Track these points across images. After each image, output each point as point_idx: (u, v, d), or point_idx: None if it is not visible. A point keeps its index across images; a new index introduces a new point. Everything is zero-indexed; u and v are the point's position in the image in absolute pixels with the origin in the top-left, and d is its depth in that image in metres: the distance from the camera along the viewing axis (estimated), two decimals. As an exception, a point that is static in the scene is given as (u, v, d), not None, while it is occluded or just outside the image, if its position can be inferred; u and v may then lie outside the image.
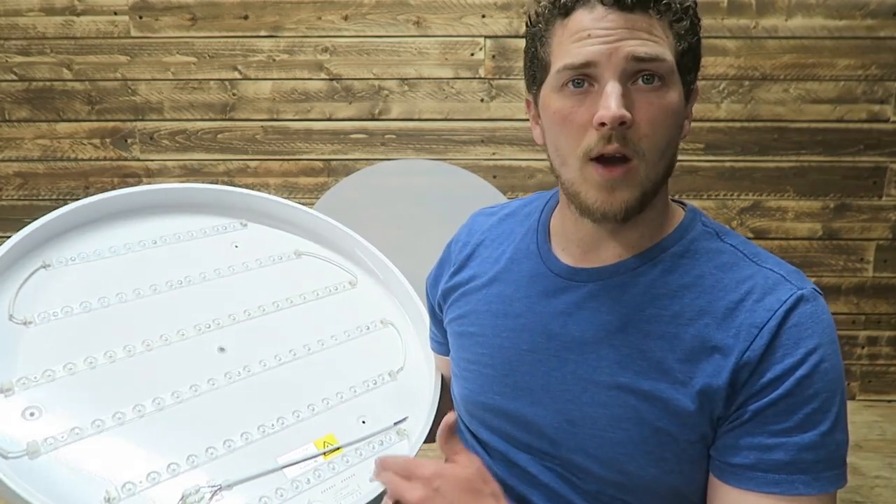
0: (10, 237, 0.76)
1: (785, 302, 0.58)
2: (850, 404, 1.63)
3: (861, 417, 1.58)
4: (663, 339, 0.61)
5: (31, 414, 0.67)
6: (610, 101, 0.56)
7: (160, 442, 0.69)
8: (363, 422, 0.73)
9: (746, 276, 0.61)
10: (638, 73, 0.57)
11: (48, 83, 1.60)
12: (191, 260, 0.88)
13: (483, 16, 1.56)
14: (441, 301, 0.80)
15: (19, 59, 1.59)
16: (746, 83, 1.58)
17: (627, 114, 0.56)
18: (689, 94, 0.64)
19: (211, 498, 0.66)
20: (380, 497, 0.70)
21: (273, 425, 0.75)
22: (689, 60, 0.61)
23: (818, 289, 0.60)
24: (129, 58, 1.59)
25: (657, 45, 0.58)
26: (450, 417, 0.62)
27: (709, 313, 0.60)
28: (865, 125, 1.58)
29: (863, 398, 1.69)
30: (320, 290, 0.93)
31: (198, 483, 0.66)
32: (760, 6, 1.54)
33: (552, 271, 0.68)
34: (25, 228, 0.78)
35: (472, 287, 0.75)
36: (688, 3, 0.60)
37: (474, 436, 0.74)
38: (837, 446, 0.57)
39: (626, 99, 0.57)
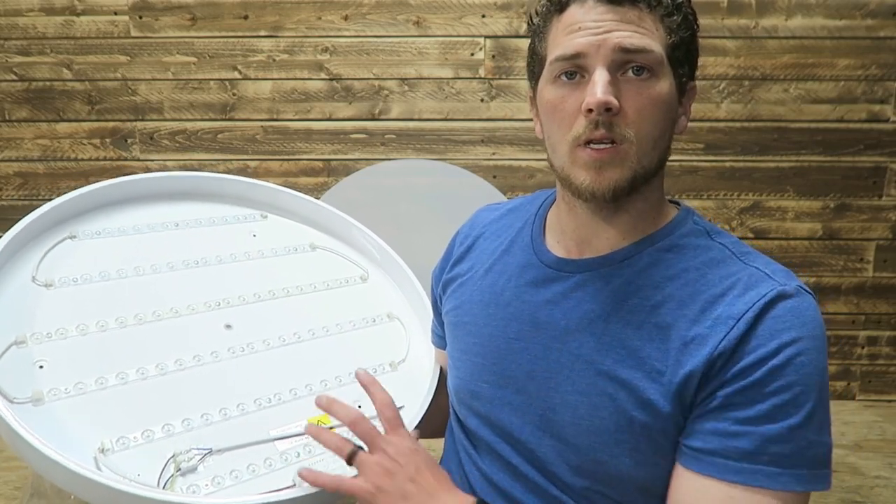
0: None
1: (765, 296, 0.58)
2: (850, 404, 1.65)
3: (861, 417, 1.58)
4: (643, 328, 0.61)
5: (41, 366, 0.70)
6: (596, 88, 0.58)
7: (158, 404, 0.72)
8: (359, 406, 0.73)
9: (731, 272, 0.61)
10: (626, 63, 0.59)
11: (48, 83, 1.60)
12: (209, 244, 0.91)
13: (483, 16, 1.56)
14: (441, 293, 0.81)
15: (19, 59, 1.59)
16: (746, 83, 1.58)
17: (613, 99, 0.58)
18: (684, 88, 0.64)
19: (200, 460, 0.67)
20: None
21: (269, 400, 0.76)
22: (680, 54, 0.62)
23: (808, 289, 0.60)
24: (129, 58, 1.59)
25: (645, 36, 0.59)
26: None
27: (688, 306, 0.60)
28: (865, 125, 1.58)
29: (863, 398, 1.69)
30: (331, 281, 0.94)
31: (190, 445, 0.68)
32: (760, 6, 1.54)
33: (542, 262, 0.69)
34: (55, 199, 0.82)
35: (468, 278, 0.76)
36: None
37: (462, 427, 0.75)
38: (810, 445, 0.56)
39: (614, 87, 0.59)
